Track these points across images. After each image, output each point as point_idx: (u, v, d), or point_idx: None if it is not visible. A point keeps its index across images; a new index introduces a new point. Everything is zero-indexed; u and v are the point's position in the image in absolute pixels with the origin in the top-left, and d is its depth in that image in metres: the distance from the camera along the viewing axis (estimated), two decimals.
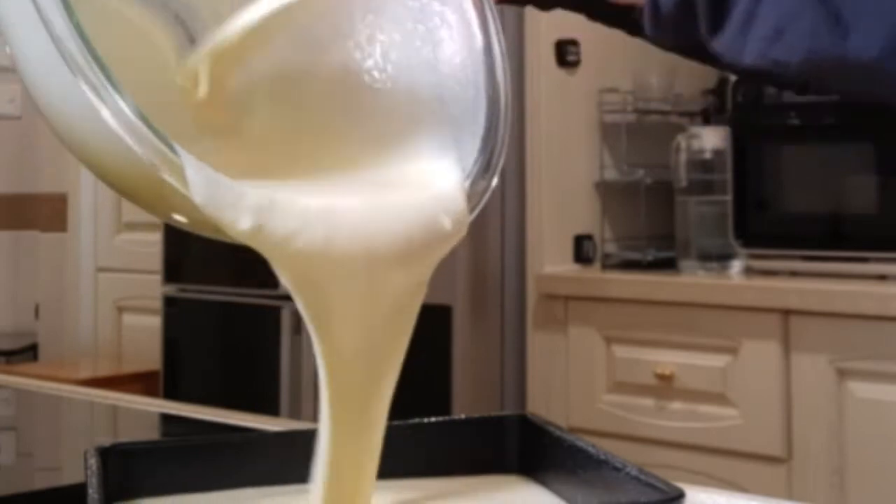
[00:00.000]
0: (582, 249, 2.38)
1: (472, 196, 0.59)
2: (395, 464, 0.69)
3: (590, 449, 0.65)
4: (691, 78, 2.47)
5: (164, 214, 0.58)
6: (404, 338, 0.57)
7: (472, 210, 0.59)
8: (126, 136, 0.50)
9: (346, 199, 0.55)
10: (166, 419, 1.18)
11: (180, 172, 0.51)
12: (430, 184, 0.59)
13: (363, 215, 0.54)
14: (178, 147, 0.51)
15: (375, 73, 0.64)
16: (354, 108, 0.64)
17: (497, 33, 0.65)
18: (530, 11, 2.35)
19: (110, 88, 0.50)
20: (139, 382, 2.97)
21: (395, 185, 0.59)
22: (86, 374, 3.05)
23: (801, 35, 0.59)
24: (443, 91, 0.64)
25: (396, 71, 0.64)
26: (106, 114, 0.50)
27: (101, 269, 3.34)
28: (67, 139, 0.55)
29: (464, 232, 0.57)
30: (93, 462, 0.64)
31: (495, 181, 0.61)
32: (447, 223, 0.56)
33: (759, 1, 0.61)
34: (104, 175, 0.56)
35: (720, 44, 0.63)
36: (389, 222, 0.54)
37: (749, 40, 0.61)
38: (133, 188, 0.56)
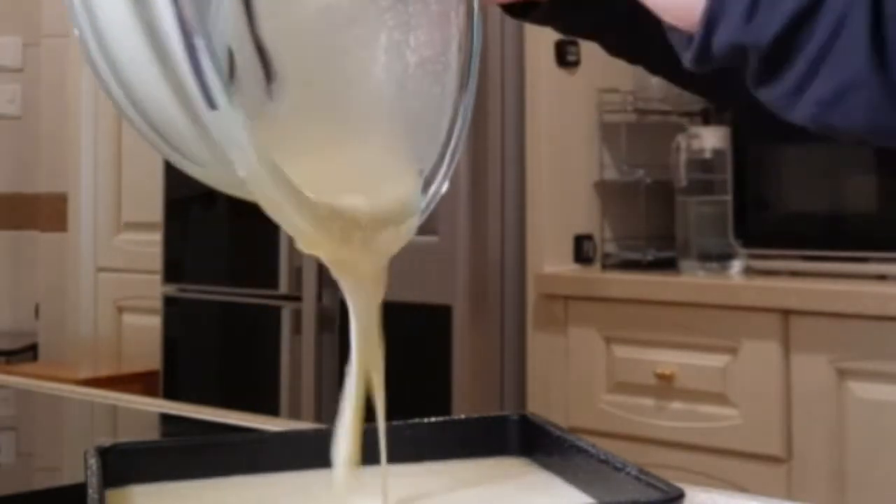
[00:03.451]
0: (582, 249, 2.38)
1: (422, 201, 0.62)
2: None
3: (590, 449, 0.65)
4: None
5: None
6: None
7: (422, 214, 0.62)
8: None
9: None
10: (166, 419, 1.18)
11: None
12: (391, 186, 0.62)
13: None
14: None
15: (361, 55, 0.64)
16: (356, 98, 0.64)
17: (478, 29, 0.64)
18: None
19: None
20: (139, 382, 2.97)
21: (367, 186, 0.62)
22: (86, 374, 3.05)
23: (862, 107, 0.58)
24: (407, 83, 0.63)
25: (364, 61, 0.64)
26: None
27: (101, 269, 3.33)
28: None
29: (409, 237, 0.61)
30: (93, 462, 0.64)
31: (445, 187, 0.63)
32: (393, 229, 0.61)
33: (818, 66, 0.58)
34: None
35: (766, 95, 0.61)
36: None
37: (803, 102, 0.59)
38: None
